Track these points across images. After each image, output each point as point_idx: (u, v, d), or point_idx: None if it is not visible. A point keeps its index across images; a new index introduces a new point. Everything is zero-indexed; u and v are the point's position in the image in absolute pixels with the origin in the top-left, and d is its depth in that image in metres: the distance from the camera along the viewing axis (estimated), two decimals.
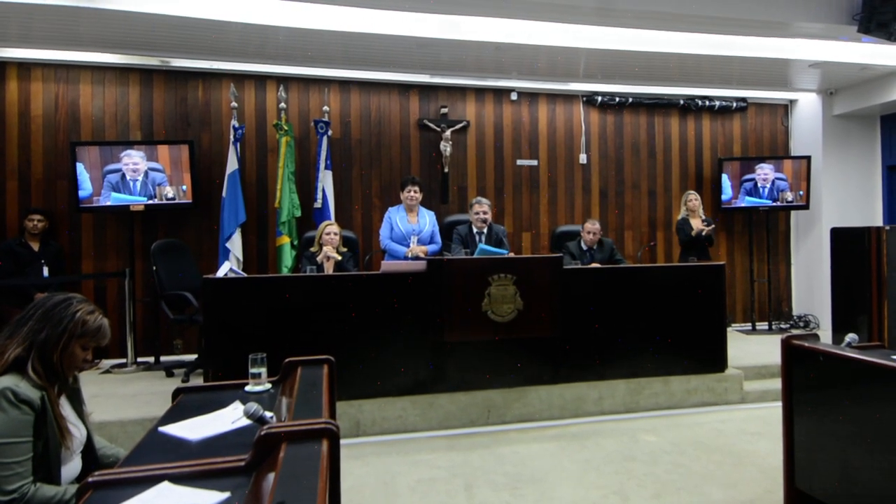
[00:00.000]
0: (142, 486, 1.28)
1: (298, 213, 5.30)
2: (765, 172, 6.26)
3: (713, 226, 5.65)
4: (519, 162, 6.18)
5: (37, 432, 1.61)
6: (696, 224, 5.72)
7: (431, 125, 5.88)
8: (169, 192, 4.99)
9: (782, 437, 2.65)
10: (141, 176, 4.92)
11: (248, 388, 2.05)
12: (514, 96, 6.13)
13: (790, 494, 2.63)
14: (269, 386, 2.07)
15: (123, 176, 4.89)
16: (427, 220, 4.90)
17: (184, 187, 5.01)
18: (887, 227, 4.42)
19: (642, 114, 6.49)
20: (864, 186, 6.56)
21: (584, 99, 6.33)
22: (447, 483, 3.06)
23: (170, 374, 4.61)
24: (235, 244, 5.14)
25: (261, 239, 5.51)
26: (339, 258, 4.40)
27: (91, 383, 4.28)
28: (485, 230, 4.79)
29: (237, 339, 3.62)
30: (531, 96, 6.20)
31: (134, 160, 4.90)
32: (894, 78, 5.75)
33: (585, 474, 3.14)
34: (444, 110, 5.93)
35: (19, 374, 1.63)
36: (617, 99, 6.32)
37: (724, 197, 6.32)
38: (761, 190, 6.28)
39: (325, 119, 5.42)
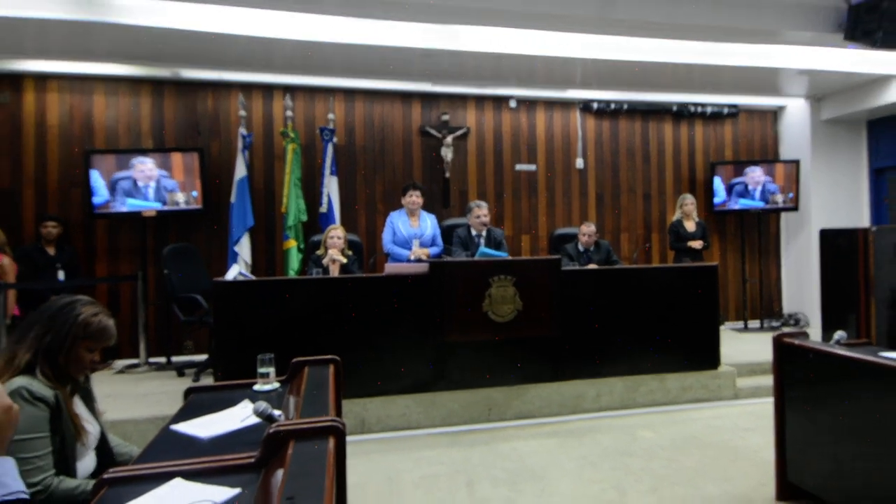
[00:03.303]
0: (155, 482, 1.30)
1: (305, 218, 5.37)
2: (755, 175, 6.35)
3: (705, 245, 5.76)
4: (518, 167, 6.27)
5: (53, 428, 1.63)
6: (690, 226, 5.82)
7: (433, 132, 5.97)
8: (180, 198, 5.08)
9: (774, 431, 2.71)
10: (153, 182, 5.00)
11: (256, 387, 2.07)
12: (512, 104, 6.22)
13: (782, 487, 2.68)
14: (277, 385, 2.09)
15: (135, 182, 4.97)
16: (428, 224, 4.93)
17: (194, 193, 5.10)
18: (874, 228, 4.45)
19: (637, 120, 6.59)
20: (852, 189, 6.65)
21: (581, 106, 6.43)
22: (449, 479, 3.09)
23: (181, 374, 4.67)
24: (244, 248, 5.21)
25: (268, 243, 5.59)
26: (345, 261, 4.42)
27: (104, 383, 4.30)
28: (484, 233, 4.82)
29: (246, 339, 3.65)
30: (529, 103, 6.29)
31: (147, 167, 4.98)
32: (880, 84, 5.83)
33: (583, 470, 3.17)
34: (446, 117, 6.01)
35: (31, 375, 1.66)
36: (612, 106, 6.42)
37: (716, 200, 6.41)
38: (752, 192, 6.37)
39: (331, 127, 5.48)
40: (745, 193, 6.38)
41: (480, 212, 4.80)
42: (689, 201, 5.88)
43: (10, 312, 4.41)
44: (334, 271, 4.39)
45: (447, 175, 5.97)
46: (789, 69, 5.54)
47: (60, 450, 1.64)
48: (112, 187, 4.93)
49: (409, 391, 3.93)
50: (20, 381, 1.62)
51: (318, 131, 5.54)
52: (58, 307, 1.75)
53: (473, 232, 4.84)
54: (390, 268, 4.11)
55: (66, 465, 1.66)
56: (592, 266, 5.00)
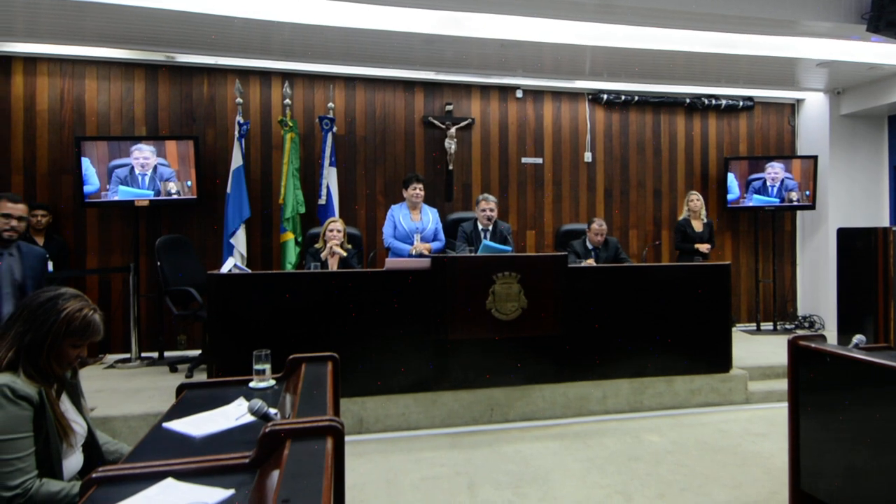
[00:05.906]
0: (146, 482, 1.28)
1: (303, 210, 5.29)
2: (775, 171, 6.24)
3: (711, 247, 5.66)
4: (524, 160, 6.16)
5: (37, 427, 1.60)
6: (698, 226, 5.72)
7: (436, 122, 5.87)
8: (173, 187, 4.99)
9: (788, 438, 2.64)
10: (150, 171, 4.93)
11: (252, 384, 2.04)
12: (519, 94, 6.11)
13: (795, 496, 2.61)
14: (273, 382, 2.06)
15: (132, 170, 4.89)
16: (430, 218, 4.89)
17: (189, 183, 5.02)
18: (894, 228, 4.40)
19: (648, 112, 6.46)
20: (871, 187, 6.52)
21: (590, 97, 6.31)
22: (450, 481, 3.06)
23: (174, 370, 4.62)
24: (240, 240, 5.13)
25: (265, 235, 5.51)
26: (344, 255, 4.39)
27: (95, 378, 4.31)
28: (490, 227, 4.78)
29: (241, 335, 3.62)
30: (536, 94, 6.18)
31: (144, 154, 4.91)
32: None
33: (588, 474, 3.14)
34: (449, 107, 5.91)
35: (14, 373, 1.63)
36: (622, 97, 6.29)
37: (730, 196, 6.29)
38: (770, 189, 6.25)
39: (330, 115, 5.40)
40: (763, 189, 6.25)
41: (487, 205, 4.78)
42: (694, 198, 5.79)
43: None
44: (333, 265, 4.36)
45: (450, 167, 5.88)
46: (808, 61, 5.42)
47: (44, 450, 1.61)
48: (109, 175, 4.84)
49: (410, 390, 3.88)
50: (2, 378, 1.59)
51: (318, 120, 5.47)
52: (39, 303, 1.70)
53: (480, 227, 4.82)
54: (391, 262, 4.06)
55: (50, 465, 1.63)
56: (592, 262, 4.90)
